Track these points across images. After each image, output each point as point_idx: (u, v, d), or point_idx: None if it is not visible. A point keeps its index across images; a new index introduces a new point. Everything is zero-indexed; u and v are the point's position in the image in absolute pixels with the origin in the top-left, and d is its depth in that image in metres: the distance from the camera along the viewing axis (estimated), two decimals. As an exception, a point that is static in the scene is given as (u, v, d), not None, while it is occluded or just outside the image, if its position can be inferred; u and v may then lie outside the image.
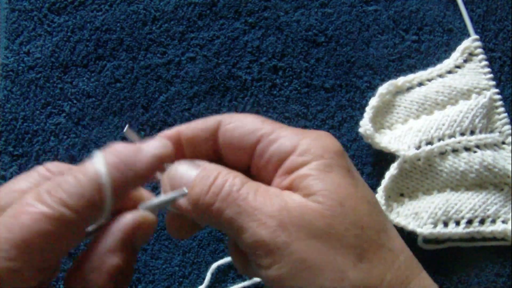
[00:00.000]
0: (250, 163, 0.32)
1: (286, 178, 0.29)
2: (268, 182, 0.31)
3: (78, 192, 0.26)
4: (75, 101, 0.58)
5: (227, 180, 0.29)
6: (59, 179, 0.27)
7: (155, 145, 0.30)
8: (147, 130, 0.57)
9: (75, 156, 0.57)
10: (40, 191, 0.26)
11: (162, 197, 0.31)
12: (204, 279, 0.54)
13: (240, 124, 0.31)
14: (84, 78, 0.58)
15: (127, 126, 0.32)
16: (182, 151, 0.33)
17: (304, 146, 0.29)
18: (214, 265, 0.54)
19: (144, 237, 0.29)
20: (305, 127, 0.57)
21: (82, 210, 0.26)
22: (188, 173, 0.30)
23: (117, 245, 0.28)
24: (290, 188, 0.29)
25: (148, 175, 0.29)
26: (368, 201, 0.29)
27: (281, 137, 0.30)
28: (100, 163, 0.27)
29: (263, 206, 0.27)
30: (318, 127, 0.57)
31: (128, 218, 0.28)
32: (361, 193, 0.29)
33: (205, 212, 0.29)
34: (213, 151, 0.33)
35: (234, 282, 0.54)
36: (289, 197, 0.28)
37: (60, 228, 0.25)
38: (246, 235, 0.28)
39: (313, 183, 0.28)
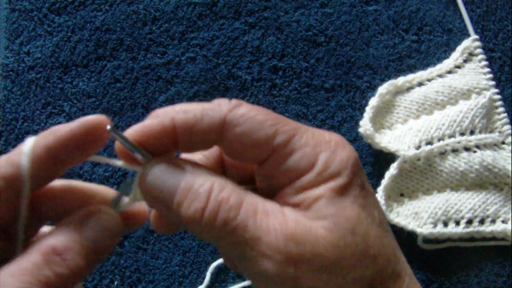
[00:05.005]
0: (255, 168, 0.30)
1: (297, 195, 0.27)
2: (273, 189, 0.29)
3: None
4: (75, 101, 0.58)
5: (221, 201, 0.26)
6: None
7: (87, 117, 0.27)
8: (147, 130, 0.57)
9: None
10: None
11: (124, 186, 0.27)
12: (204, 278, 0.54)
13: (250, 130, 0.27)
14: (84, 78, 0.58)
15: (109, 126, 0.27)
16: (174, 135, 0.28)
17: (322, 162, 0.27)
18: (214, 265, 0.54)
19: None
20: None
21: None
22: (171, 182, 0.27)
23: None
24: (298, 205, 0.27)
25: (73, 138, 0.27)
26: (379, 223, 0.28)
27: (297, 150, 0.27)
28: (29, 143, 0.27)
29: (267, 236, 0.25)
30: (318, 127, 0.57)
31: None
32: (373, 214, 0.28)
33: (198, 233, 0.27)
34: (211, 144, 0.29)
35: (234, 282, 0.54)
36: (293, 220, 0.26)
37: None
38: (248, 264, 0.26)
39: (325, 206, 0.26)
